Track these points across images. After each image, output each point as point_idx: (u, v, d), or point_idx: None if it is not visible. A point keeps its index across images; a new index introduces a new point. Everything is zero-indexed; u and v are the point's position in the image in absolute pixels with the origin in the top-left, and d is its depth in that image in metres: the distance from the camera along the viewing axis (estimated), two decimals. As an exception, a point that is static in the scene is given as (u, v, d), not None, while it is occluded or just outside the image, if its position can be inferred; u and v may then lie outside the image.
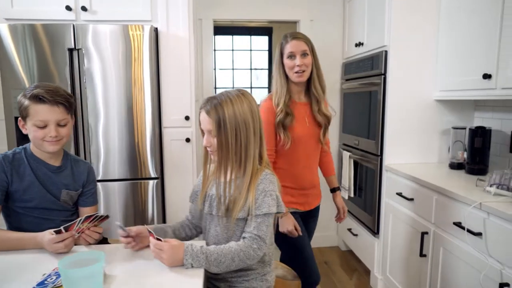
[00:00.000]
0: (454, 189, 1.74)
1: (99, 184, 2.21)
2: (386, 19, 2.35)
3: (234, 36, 5.41)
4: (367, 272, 2.76)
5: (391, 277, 2.36)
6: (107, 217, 1.26)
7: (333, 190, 1.93)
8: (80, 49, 2.16)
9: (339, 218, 1.95)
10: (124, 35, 2.18)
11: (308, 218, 1.80)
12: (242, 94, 1.15)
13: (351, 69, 2.90)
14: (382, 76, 2.38)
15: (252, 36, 5.41)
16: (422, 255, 1.95)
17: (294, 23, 3.20)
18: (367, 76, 2.60)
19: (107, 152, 2.26)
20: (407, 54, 2.34)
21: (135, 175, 2.30)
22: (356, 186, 2.83)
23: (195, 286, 0.98)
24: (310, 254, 1.70)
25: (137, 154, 2.28)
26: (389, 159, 2.41)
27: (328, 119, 1.71)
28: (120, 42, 2.18)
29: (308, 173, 1.72)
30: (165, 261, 1.05)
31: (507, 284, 1.41)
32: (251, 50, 5.46)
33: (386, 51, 2.36)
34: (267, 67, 5.44)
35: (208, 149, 1.16)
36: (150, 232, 1.10)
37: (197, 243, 1.13)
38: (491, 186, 1.67)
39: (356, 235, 2.86)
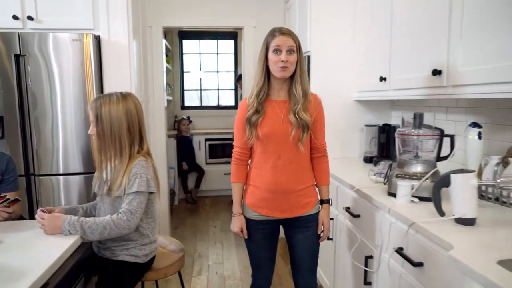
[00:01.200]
0: (346, 178, 1.99)
1: (60, 177, 2.46)
2: (307, 26, 2.59)
3: (201, 41, 5.65)
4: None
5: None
6: (17, 200, 1.48)
7: (320, 203, 1.69)
8: (25, 55, 2.37)
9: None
10: (68, 43, 2.39)
11: (293, 228, 1.65)
12: (123, 97, 1.39)
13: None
14: (306, 79, 2.62)
15: (218, 40, 5.65)
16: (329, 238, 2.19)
17: (240, 29, 3.43)
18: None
19: (65, 149, 2.46)
20: (328, 58, 2.59)
21: (92, 169, 2.51)
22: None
23: (65, 247, 1.20)
24: (258, 262, 1.69)
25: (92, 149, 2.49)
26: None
27: (303, 124, 1.53)
28: (64, 49, 2.40)
29: (281, 175, 1.55)
30: (46, 228, 1.28)
31: (371, 257, 1.65)
32: (217, 53, 5.70)
33: (309, 56, 2.60)
34: (233, 70, 5.68)
35: (93, 137, 1.40)
36: (41, 209, 1.33)
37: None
38: (374, 175, 1.91)
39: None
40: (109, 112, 1.33)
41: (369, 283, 1.68)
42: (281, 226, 1.69)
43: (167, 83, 5.31)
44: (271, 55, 1.50)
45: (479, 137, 1.43)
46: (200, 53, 5.68)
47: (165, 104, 3.48)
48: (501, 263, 0.95)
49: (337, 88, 2.63)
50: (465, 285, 0.99)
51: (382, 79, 2.13)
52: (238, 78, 4.93)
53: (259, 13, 3.35)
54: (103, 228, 1.29)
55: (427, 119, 1.66)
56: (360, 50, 2.49)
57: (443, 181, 1.29)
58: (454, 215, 1.26)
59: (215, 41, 5.64)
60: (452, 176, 1.25)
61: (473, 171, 1.25)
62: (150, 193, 1.41)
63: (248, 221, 1.62)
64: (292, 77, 1.55)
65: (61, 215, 1.29)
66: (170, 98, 5.39)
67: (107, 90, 2.58)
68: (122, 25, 2.56)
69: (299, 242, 1.66)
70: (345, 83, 2.62)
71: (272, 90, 1.58)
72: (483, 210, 1.42)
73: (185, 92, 5.73)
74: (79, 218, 1.29)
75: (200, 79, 5.73)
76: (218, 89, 5.77)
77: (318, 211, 1.66)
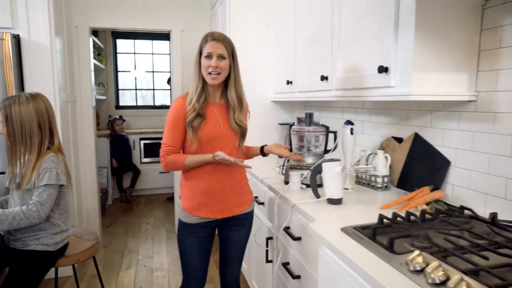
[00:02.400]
0: (257, 171, 2.22)
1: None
2: (227, 32, 2.80)
3: (136, 40, 5.65)
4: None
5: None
6: None
7: (262, 149, 1.79)
8: None
9: (291, 155, 1.75)
10: (-16, 41, 2.38)
11: (229, 227, 1.69)
12: (32, 97, 1.49)
13: (214, 74, 3.34)
14: (226, 81, 2.83)
15: (154, 41, 5.69)
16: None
17: (169, 32, 3.56)
18: (221, 81, 3.04)
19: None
20: (246, 62, 2.80)
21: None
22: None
23: None
24: (191, 270, 1.66)
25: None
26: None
27: (242, 129, 1.62)
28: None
29: (218, 176, 1.59)
30: None
31: (271, 238, 1.90)
32: (152, 53, 5.74)
33: (228, 60, 2.82)
34: (168, 70, 5.75)
35: (3, 136, 1.49)
36: None
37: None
38: (278, 167, 2.17)
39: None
40: (19, 112, 1.43)
41: (270, 261, 1.92)
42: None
43: (100, 83, 5.28)
44: (203, 60, 1.52)
45: (351, 133, 1.73)
46: (135, 53, 5.68)
47: (94, 104, 3.50)
48: (343, 229, 1.22)
49: (256, 89, 2.86)
50: (319, 249, 1.25)
51: (289, 82, 2.40)
52: (169, 80, 4.99)
53: (187, 17, 3.50)
54: (13, 219, 1.38)
55: (327, 117, 1.94)
56: (274, 56, 2.75)
57: (317, 169, 1.56)
58: (325, 197, 1.54)
59: (150, 41, 5.67)
60: (323, 164, 1.52)
61: (338, 160, 1.53)
62: (61, 186, 1.52)
63: (185, 227, 1.61)
64: (226, 84, 1.59)
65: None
66: (104, 97, 5.35)
67: (28, 90, 2.59)
68: (43, 24, 2.57)
69: (233, 239, 1.71)
70: (263, 85, 2.87)
71: (209, 93, 1.59)
72: (355, 193, 1.73)
73: (120, 91, 5.70)
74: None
75: (135, 78, 5.73)
76: (153, 89, 5.81)
77: (253, 209, 1.75)
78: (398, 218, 1.26)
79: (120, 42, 5.61)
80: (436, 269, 0.86)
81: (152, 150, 5.12)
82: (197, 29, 3.52)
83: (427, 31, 1.29)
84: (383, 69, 1.40)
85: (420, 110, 1.69)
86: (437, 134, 1.60)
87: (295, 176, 1.78)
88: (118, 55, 5.62)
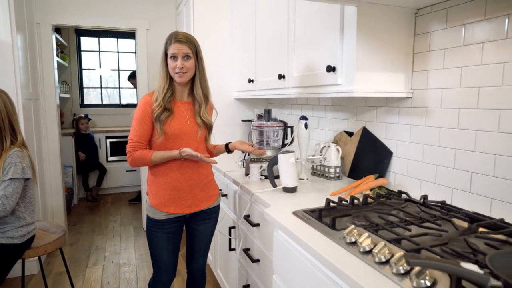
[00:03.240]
0: (220, 165, 2.33)
1: None
2: (191, 30, 2.89)
3: (101, 38, 5.59)
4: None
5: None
6: None
7: (227, 146, 1.87)
8: None
9: (255, 150, 1.83)
10: None
11: (196, 221, 1.75)
12: (-7, 94, 1.53)
13: (180, 72, 3.41)
14: (191, 79, 2.92)
15: (119, 39, 5.65)
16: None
17: (134, 31, 3.59)
18: (186, 79, 3.13)
19: None
20: (210, 62, 2.90)
21: None
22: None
23: None
24: (161, 264, 1.70)
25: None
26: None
27: (206, 125, 1.70)
28: None
29: (186, 171, 1.65)
30: None
31: (234, 227, 2.02)
32: (118, 52, 5.70)
33: (193, 59, 2.90)
34: (135, 68, 5.72)
35: None
36: None
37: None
38: (240, 161, 2.29)
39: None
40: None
41: (233, 249, 2.04)
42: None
43: (64, 81, 5.19)
44: (169, 61, 1.58)
45: (305, 127, 1.87)
46: (99, 51, 5.62)
47: (57, 102, 3.48)
48: (294, 213, 1.36)
49: (220, 87, 2.96)
50: (274, 231, 1.38)
51: (250, 81, 2.53)
52: (130, 76, 4.88)
53: (152, 16, 3.55)
54: (-23, 211, 1.42)
55: (287, 114, 2.07)
56: (236, 55, 2.87)
57: (273, 161, 1.69)
58: (281, 186, 1.67)
59: (116, 39, 5.63)
60: (279, 156, 1.66)
61: (293, 152, 1.67)
62: (26, 179, 1.56)
63: (154, 223, 1.65)
64: (193, 81, 1.65)
65: None
66: (68, 95, 5.27)
67: (-12, 87, 2.56)
68: (3, 21, 2.56)
69: (200, 233, 1.78)
70: (226, 83, 2.98)
71: (176, 91, 1.65)
72: (310, 182, 1.88)
73: (85, 90, 5.62)
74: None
75: (100, 76, 5.67)
76: (119, 87, 5.77)
77: (219, 203, 1.83)
78: (343, 202, 1.41)
79: (84, 40, 5.53)
80: (366, 240, 1.00)
81: (118, 148, 5.10)
82: (163, 27, 3.58)
83: (367, 35, 1.45)
84: (331, 68, 1.55)
85: (367, 106, 1.86)
86: (381, 128, 1.77)
87: (255, 168, 1.90)
88: (82, 53, 5.54)
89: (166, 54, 1.60)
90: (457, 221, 1.19)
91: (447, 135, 1.42)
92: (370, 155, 1.83)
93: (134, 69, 5.73)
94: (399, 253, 0.90)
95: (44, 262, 2.99)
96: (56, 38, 4.38)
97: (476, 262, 0.87)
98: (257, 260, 1.69)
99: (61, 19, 3.34)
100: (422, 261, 0.76)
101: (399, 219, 1.20)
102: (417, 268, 0.83)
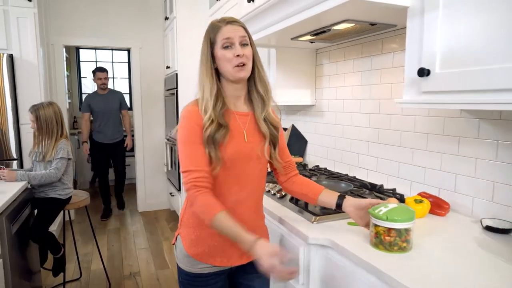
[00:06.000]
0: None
1: None
2: (175, 50, 3.74)
3: (97, 50, 6.40)
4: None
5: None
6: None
7: (340, 198, 1.27)
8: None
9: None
10: (-15, 61, 3.14)
11: (246, 274, 1.30)
12: (50, 104, 2.36)
13: (167, 83, 4.26)
14: (175, 90, 3.78)
15: (113, 51, 6.46)
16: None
17: (128, 49, 4.43)
18: (172, 89, 3.98)
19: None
20: (192, 77, 3.76)
21: (1, 157, 3.27)
22: (172, 163, 4.19)
23: (18, 187, 2.14)
24: None
25: (3, 142, 3.25)
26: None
27: (276, 128, 1.25)
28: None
29: (243, 210, 1.21)
30: (6, 178, 2.20)
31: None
32: (112, 62, 6.51)
33: (176, 73, 3.75)
34: (127, 76, 6.54)
35: (33, 130, 2.35)
36: (1, 167, 2.23)
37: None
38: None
39: (173, 195, 4.23)
40: (44, 114, 2.28)
41: None
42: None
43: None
44: (221, 52, 1.15)
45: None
46: (96, 61, 6.42)
47: (67, 106, 4.29)
48: (236, 175, 2.23)
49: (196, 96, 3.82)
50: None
51: (220, 91, 3.38)
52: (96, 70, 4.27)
53: (144, 37, 4.38)
54: (41, 177, 2.23)
55: None
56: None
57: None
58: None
59: (111, 51, 6.44)
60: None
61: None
62: (69, 159, 2.39)
63: (195, 278, 1.23)
64: (249, 80, 1.21)
65: (14, 170, 2.21)
66: (69, 101, 6.05)
67: (20, 99, 3.34)
68: (31, 44, 3.35)
69: None
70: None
71: (228, 98, 1.20)
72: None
73: (83, 95, 6.40)
74: (25, 172, 2.23)
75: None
76: (114, 93, 6.57)
77: None
78: (268, 170, 2.28)
79: (82, 52, 6.32)
80: (275, 187, 1.87)
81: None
82: (153, 46, 4.42)
83: (284, 65, 2.33)
84: (263, 87, 2.43)
85: (294, 110, 2.74)
86: (301, 124, 2.65)
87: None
88: (81, 63, 6.33)
89: (211, 46, 1.17)
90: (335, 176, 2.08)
91: (331, 128, 2.31)
92: (296, 144, 2.70)
93: (127, 77, 6.55)
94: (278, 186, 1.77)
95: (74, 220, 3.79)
96: (62, 52, 5.18)
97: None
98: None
99: (70, 40, 4.16)
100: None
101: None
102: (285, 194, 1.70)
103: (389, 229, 1.10)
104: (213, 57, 1.17)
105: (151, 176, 4.62)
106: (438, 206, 1.45)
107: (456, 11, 1.11)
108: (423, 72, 1.19)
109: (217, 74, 1.18)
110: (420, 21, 1.23)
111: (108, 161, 4.42)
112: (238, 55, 1.13)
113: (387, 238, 1.11)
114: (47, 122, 2.29)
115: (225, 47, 1.14)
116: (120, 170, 4.50)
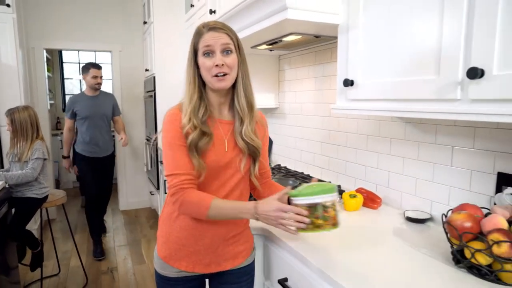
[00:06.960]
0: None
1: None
2: (153, 54, 3.87)
3: (80, 52, 6.48)
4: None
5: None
6: None
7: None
8: None
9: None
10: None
11: (220, 284, 1.26)
12: (25, 108, 2.48)
13: (146, 85, 4.39)
14: (153, 92, 3.91)
15: (96, 52, 6.55)
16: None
17: (109, 52, 4.55)
18: (150, 91, 4.11)
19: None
20: (169, 80, 3.90)
21: None
22: (152, 162, 4.32)
23: None
24: None
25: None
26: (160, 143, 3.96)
27: (250, 149, 1.16)
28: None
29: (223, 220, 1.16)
30: None
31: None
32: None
33: (154, 76, 3.89)
34: (111, 77, 6.63)
35: (8, 132, 2.47)
36: None
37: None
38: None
39: (153, 194, 4.36)
40: (19, 117, 2.41)
41: None
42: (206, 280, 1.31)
43: (48, 89, 6.05)
44: (201, 60, 1.11)
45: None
46: (79, 62, 6.50)
47: (48, 107, 4.39)
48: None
49: (174, 98, 3.95)
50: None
51: (195, 93, 3.53)
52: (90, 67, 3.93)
53: (124, 40, 4.50)
54: (18, 177, 2.36)
55: None
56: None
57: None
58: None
59: (94, 52, 6.53)
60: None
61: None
62: (44, 159, 2.52)
63: (164, 280, 1.22)
64: (233, 86, 1.16)
65: (-8, 171, 2.34)
66: (52, 102, 6.13)
67: (1, 101, 3.45)
68: (10, 50, 3.45)
69: None
70: (179, 96, 3.97)
71: (212, 105, 1.17)
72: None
73: (67, 96, 6.48)
74: (2, 172, 2.35)
75: (80, 82, 6.55)
76: (97, 94, 6.66)
77: (254, 260, 1.31)
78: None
79: (65, 53, 6.40)
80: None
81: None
82: (133, 49, 4.55)
83: (251, 71, 2.48)
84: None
85: (265, 113, 2.90)
86: (269, 126, 2.80)
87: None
88: (64, 64, 6.41)
89: (195, 52, 1.14)
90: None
91: (292, 129, 2.48)
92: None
93: (110, 77, 6.64)
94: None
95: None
96: (44, 55, 5.26)
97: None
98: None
99: (51, 43, 4.26)
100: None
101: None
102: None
103: (308, 207, 1.03)
104: (197, 63, 1.14)
105: (132, 175, 4.74)
106: (371, 200, 1.63)
107: (372, 30, 1.28)
108: (347, 83, 1.37)
109: (203, 80, 1.15)
110: (346, 37, 1.40)
111: (101, 181, 3.60)
112: (217, 65, 1.08)
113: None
114: (22, 125, 2.42)
115: (205, 55, 1.11)
116: (107, 187, 3.72)
